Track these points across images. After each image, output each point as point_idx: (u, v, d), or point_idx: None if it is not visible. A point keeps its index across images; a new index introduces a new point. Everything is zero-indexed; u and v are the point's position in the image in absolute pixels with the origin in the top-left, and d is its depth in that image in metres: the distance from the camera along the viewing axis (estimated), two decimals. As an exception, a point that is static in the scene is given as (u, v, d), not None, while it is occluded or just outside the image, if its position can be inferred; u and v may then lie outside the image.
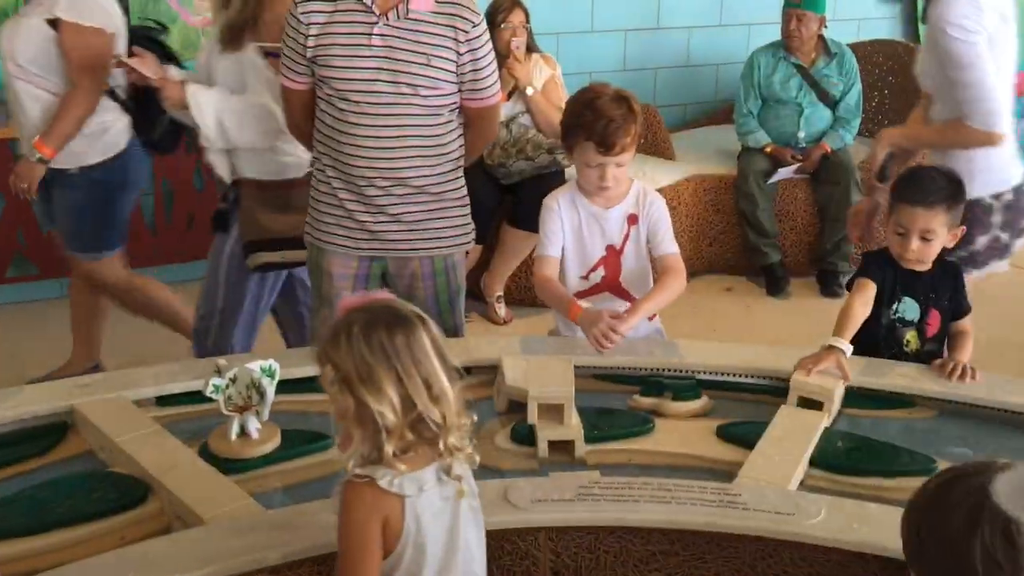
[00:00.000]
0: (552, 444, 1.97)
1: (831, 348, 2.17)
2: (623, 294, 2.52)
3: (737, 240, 4.75)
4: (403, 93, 2.38)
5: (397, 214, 2.47)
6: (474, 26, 2.42)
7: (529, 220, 4.18)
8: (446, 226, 2.53)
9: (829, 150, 4.62)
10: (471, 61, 2.44)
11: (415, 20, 2.38)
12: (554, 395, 1.97)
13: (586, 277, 2.52)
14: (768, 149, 4.64)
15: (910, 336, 2.39)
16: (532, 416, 1.97)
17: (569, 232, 2.49)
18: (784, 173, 4.59)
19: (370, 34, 2.37)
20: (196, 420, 2.09)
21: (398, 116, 2.39)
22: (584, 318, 2.31)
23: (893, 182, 2.50)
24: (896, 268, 2.37)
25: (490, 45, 2.49)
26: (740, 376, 2.26)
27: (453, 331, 2.59)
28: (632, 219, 2.48)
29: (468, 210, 2.59)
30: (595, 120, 2.32)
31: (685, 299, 2.59)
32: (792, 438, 1.94)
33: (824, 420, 2.03)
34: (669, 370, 2.26)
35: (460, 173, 2.56)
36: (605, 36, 5.36)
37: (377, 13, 2.37)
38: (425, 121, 2.42)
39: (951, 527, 1.12)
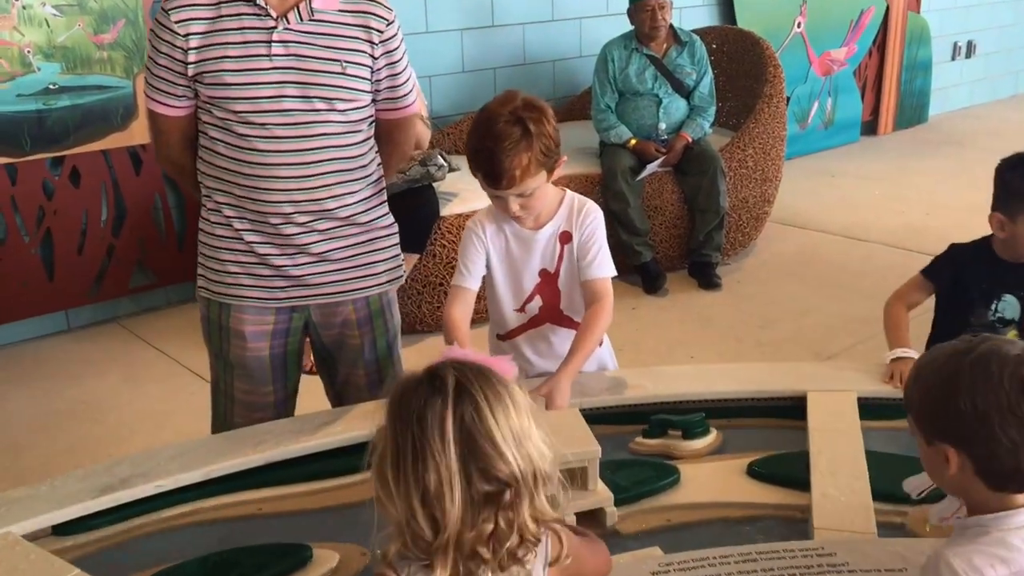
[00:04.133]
0: (578, 515, 1.64)
1: (900, 360, 2.01)
2: (566, 322, 2.18)
3: (608, 241, 4.54)
4: (317, 109, 1.98)
5: (322, 252, 2.05)
6: (388, 24, 2.04)
7: (402, 240, 3.80)
8: (378, 260, 2.14)
9: (690, 140, 4.52)
10: (388, 65, 2.07)
11: (321, 21, 1.98)
12: (579, 458, 1.64)
13: (522, 309, 2.16)
14: (632, 143, 4.48)
15: (1011, 335, 2.22)
16: (553, 486, 1.64)
17: (497, 259, 2.12)
18: (652, 168, 4.44)
19: (269, 42, 1.94)
20: (117, 551, 1.61)
21: (315, 137, 1.98)
22: None
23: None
24: (993, 264, 2.19)
25: (404, 45, 2.12)
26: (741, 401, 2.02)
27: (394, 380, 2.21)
28: (565, 237, 2.13)
29: (397, 239, 2.21)
30: (479, 149, 1.95)
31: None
32: (844, 470, 1.71)
33: (862, 442, 1.81)
34: (671, 403, 1.98)
35: (384, 197, 2.18)
36: (441, 37, 5.04)
37: (274, 15, 1.95)
38: (344, 140, 2.03)
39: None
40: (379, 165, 2.16)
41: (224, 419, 2.18)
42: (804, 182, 6.13)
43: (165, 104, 2.02)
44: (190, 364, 3.73)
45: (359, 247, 2.10)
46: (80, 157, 3.93)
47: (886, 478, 1.74)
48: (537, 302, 2.14)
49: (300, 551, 1.57)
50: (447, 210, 3.91)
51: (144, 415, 3.36)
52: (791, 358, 3.68)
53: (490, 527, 1.09)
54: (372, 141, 2.12)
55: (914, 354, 2.00)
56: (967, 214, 5.44)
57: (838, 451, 1.77)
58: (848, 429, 1.85)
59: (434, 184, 3.89)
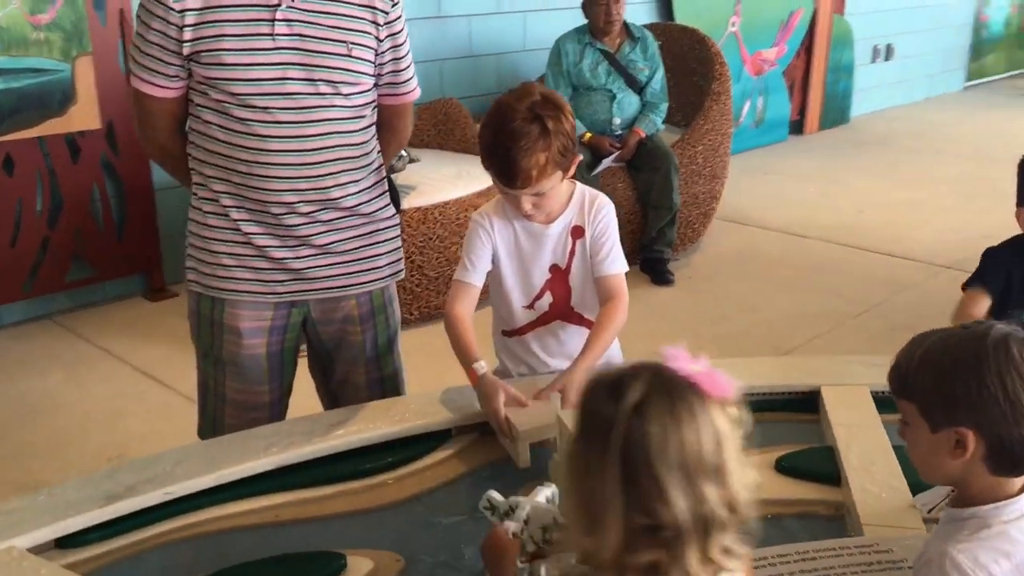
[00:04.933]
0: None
1: None
2: (576, 319, 2.11)
3: (561, 235, 4.51)
4: (323, 93, 1.88)
5: (325, 244, 1.96)
6: (394, 6, 1.96)
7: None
8: (381, 252, 2.06)
9: (644, 135, 4.52)
10: (392, 49, 1.98)
11: (327, 0, 1.88)
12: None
13: (531, 306, 2.08)
14: (587, 138, 4.45)
15: None
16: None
17: (505, 254, 2.03)
18: (607, 163, 4.42)
19: (272, 20, 1.83)
20: (129, 564, 1.50)
21: (320, 123, 1.88)
22: (482, 390, 1.84)
23: None
24: None
25: (407, 29, 2.04)
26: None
27: (393, 378, 2.12)
28: (577, 232, 2.04)
29: (399, 231, 2.12)
30: (493, 148, 1.86)
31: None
32: (877, 466, 1.70)
33: (887, 437, 1.80)
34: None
35: (386, 187, 2.09)
36: (387, 26, 4.91)
37: (278, -8, 1.84)
38: (349, 126, 1.93)
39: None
40: (379, 153, 2.07)
41: (214, 420, 2.06)
42: (740, 180, 6.20)
43: (154, 84, 1.89)
44: (136, 363, 3.55)
45: (362, 239, 2.01)
46: (14, 144, 3.70)
47: (913, 472, 1.74)
48: (547, 299, 2.07)
49: (333, 559, 1.48)
50: (406, 203, 3.81)
51: (94, 416, 3.18)
52: (751, 353, 3.70)
53: (648, 559, 0.96)
54: (373, 128, 2.03)
55: None
56: (898, 211, 5.61)
57: (865, 446, 1.76)
58: (869, 424, 1.84)
59: (392, 176, 3.78)
